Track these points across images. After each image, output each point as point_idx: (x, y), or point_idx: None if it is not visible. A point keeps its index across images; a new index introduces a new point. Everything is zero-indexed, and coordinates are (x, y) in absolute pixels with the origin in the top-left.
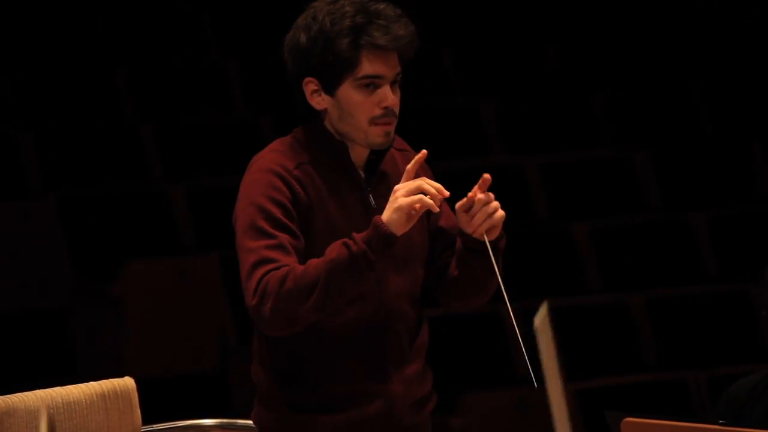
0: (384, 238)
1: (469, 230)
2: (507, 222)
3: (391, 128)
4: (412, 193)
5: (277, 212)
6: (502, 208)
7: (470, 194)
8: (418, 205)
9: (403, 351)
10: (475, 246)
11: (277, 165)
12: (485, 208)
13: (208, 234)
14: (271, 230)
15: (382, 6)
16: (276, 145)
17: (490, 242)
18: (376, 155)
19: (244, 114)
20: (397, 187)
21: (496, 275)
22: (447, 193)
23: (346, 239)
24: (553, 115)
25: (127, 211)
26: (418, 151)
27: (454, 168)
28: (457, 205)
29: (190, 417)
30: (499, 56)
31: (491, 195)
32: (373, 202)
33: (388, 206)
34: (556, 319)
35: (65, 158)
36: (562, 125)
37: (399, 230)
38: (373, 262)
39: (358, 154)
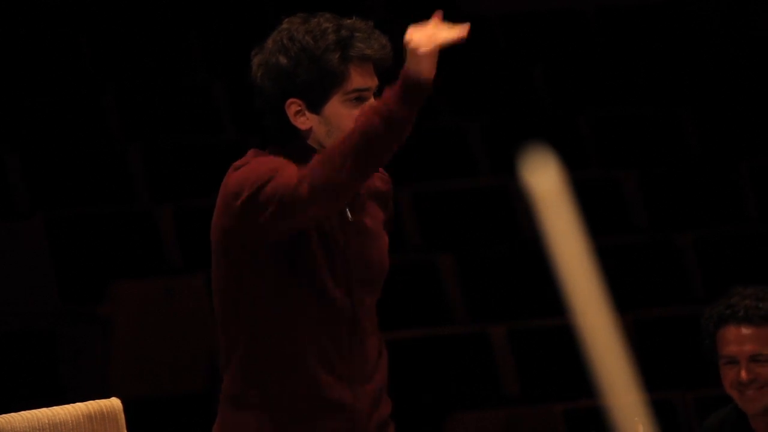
0: (416, 86)
1: None
2: (494, 241)
3: None
4: (427, 32)
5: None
6: (490, 228)
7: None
8: (438, 36)
9: (371, 366)
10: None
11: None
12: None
13: (196, 254)
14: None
15: (352, 20)
16: (252, 153)
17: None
18: None
19: (231, 134)
20: (410, 37)
21: None
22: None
23: (372, 106)
24: (540, 135)
25: (114, 231)
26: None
27: (441, 189)
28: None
29: None
30: (486, 77)
31: None
32: (349, 215)
33: (409, 55)
34: (538, 340)
35: (52, 179)
36: (548, 145)
37: (431, 72)
38: (408, 116)
39: None
